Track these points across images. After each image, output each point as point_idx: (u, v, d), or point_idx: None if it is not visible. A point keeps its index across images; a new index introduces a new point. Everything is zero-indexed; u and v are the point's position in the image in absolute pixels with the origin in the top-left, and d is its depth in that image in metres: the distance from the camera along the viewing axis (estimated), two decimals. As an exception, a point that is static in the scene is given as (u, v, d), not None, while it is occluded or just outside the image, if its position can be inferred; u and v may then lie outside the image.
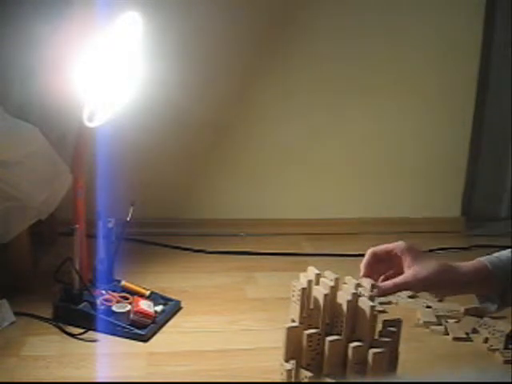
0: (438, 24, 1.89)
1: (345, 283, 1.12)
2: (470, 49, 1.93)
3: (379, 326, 1.11)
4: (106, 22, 1.26)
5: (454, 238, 1.94)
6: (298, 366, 1.10)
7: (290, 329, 1.09)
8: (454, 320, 1.43)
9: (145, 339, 1.30)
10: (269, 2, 1.82)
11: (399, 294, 1.50)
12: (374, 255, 1.14)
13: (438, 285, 1.11)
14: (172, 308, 1.42)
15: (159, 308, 1.39)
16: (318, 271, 1.13)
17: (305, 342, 1.08)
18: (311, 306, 1.10)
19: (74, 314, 1.33)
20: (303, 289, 1.09)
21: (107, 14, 1.29)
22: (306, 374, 1.08)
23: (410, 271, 1.09)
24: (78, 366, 1.21)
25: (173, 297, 1.45)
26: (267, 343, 1.30)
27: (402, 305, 1.48)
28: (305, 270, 1.14)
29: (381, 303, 1.44)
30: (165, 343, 1.31)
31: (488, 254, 1.15)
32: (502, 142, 2.02)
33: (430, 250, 1.81)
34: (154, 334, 1.33)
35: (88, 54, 1.22)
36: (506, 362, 1.29)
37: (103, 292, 1.39)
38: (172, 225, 1.87)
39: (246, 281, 1.60)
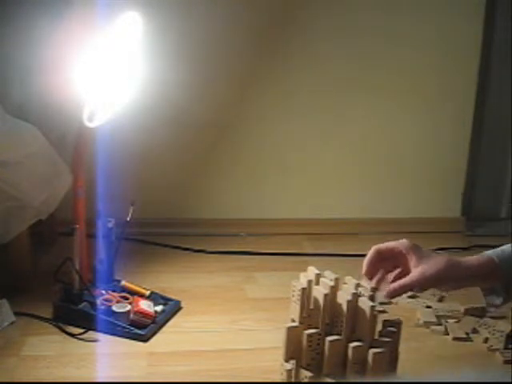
0: (438, 24, 1.89)
1: (345, 283, 1.12)
2: (470, 49, 1.93)
3: (379, 326, 1.11)
4: (105, 21, 1.26)
5: (454, 237, 1.94)
6: (298, 366, 1.10)
7: (289, 329, 1.09)
8: (454, 320, 1.43)
9: (145, 339, 1.30)
10: (269, 1, 1.82)
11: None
12: (378, 253, 1.14)
13: (445, 281, 1.11)
14: (172, 308, 1.42)
15: (159, 308, 1.39)
16: (318, 271, 1.13)
17: (305, 342, 1.08)
18: (311, 306, 1.10)
19: (74, 314, 1.33)
20: (303, 289, 1.09)
21: (107, 14, 1.29)
22: (306, 374, 1.08)
23: (417, 270, 1.10)
24: (78, 365, 1.21)
25: (173, 297, 1.45)
26: (267, 343, 1.30)
27: (401, 305, 1.48)
28: (305, 270, 1.14)
29: (381, 303, 1.44)
30: (165, 343, 1.31)
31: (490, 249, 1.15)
32: (501, 142, 2.02)
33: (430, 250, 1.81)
34: (154, 334, 1.33)
35: (88, 54, 1.22)
36: (506, 362, 1.29)
37: (103, 292, 1.39)
38: (172, 225, 1.87)
39: (246, 281, 1.60)
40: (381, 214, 2.00)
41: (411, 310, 1.46)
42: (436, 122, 1.97)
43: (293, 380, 1.10)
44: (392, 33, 1.89)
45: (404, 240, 1.14)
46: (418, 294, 1.53)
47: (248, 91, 1.87)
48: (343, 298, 1.07)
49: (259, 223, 1.92)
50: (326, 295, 1.08)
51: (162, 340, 1.32)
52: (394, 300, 1.45)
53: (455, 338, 1.37)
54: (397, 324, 1.11)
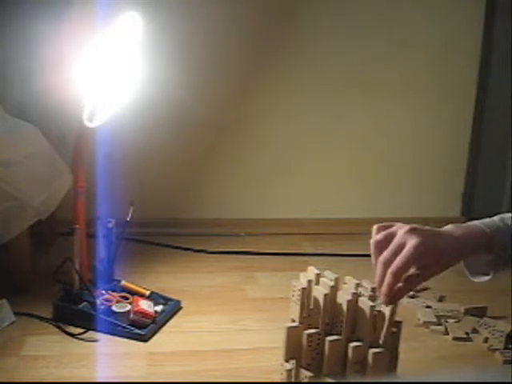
0: (438, 24, 1.89)
1: (345, 283, 1.12)
2: (470, 49, 1.93)
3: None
4: (105, 21, 1.26)
5: (454, 238, 1.94)
6: (298, 366, 1.10)
7: (289, 329, 1.09)
8: (453, 320, 1.43)
9: (145, 339, 1.30)
10: (269, 2, 1.82)
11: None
12: (376, 244, 1.09)
13: (432, 255, 1.04)
14: (172, 308, 1.42)
15: (159, 308, 1.39)
16: (317, 271, 1.13)
17: (305, 342, 1.08)
18: (311, 306, 1.10)
19: (74, 314, 1.33)
20: (303, 289, 1.09)
21: (107, 14, 1.29)
22: (306, 374, 1.08)
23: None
24: (78, 365, 1.21)
25: (173, 297, 1.45)
26: (267, 343, 1.30)
27: (402, 305, 1.48)
28: (305, 270, 1.14)
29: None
30: (165, 343, 1.30)
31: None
32: (502, 142, 2.02)
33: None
34: (154, 334, 1.33)
35: (88, 54, 1.22)
36: (506, 362, 1.29)
37: (103, 292, 1.39)
38: (172, 225, 1.87)
39: (246, 281, 1.60)
40: (381, 214, 1.99)
41: (411, 310, 1.46)
42: (436, 122, 1.98)
43: (293, 380, 1.10)
44: (392, 33, 1.89)
45: (398, 223, 1.12)
46: (418, 294, 1.53)
47: (248, 91, 1.87)
48: (343, 298, 1.07)
49: (259, 223, 1.92)
50: (326, 295, 1.08)
51: (162, 340, 1.32)
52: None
53: (455, 338, 1.37)
54: (397, 324, 1.11)
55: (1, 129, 1.33)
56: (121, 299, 1.38)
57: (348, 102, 1.92)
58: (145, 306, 1.35)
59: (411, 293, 1.52)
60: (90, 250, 1.39)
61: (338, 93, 1.91)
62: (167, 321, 1.38)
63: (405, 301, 1.49)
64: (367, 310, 1.05)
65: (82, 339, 1.29)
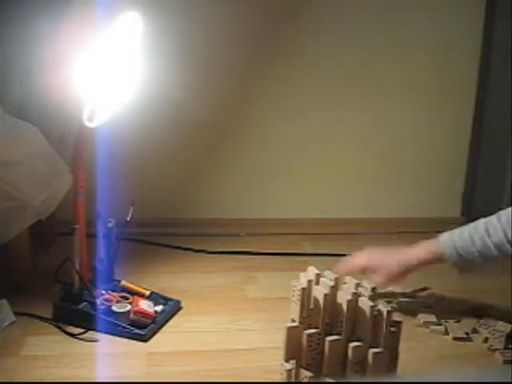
0: (438, 24, 1.89)
1: (345, 283, 1.12)
2: (470, 49, 1.93)
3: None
4: (105, 21, 1.26)
5: (454, 238, 1.93)
6: (298, 366, 1.10)
7: (289, 329, 1.09)
8: (453, 320, 1.43)
9: (145, 339, 1.30)
10: (269, 2, 1.82)
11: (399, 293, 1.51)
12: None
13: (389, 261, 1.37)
14: (172, 308, 1.42)
15: (159, 308, 1.39)
16: (317, 271, 1.13)
17: (305, 342, 1.08)
18: (311, 306, 1.10)
19: (74, 314, 1.33)
20: (303, 289, 1.09)
21: (107, 14, 1.29)
22: (306, 374, 1.08)
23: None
24: (78, 365, 1.21)
25: (173, 297, 1.45)
26: (267, 343, 1.30)
27: (402, 305, 1.48)
28: (305, 270, 1.14)
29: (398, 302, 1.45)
30: (165, 343, 1.30)
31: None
32: (502, 142, 2.02)
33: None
34: (154, 333, 1.33)
35: (88, 53, 1.22)
36: (506, 362, 1.29)
37: (103, 292, 1.39)
38: (172, 225, 1.87)
39: (246, 281, 1.60)
40: (381, 214, 2.00)
41: (411, 310, 1.46)
42: (436, 122, 1.98)
43: (293, 380, 1.10)
44: (392, 33, 1.89)
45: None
46: (419, 294, 1.53)
47: (248, 91, 1.87)
48: (343, 298, 1.07)
49: (259, 223, 1.92)
50: (325, 295, 1.08)
51: (162, 340, 1.32)
52: (394, 300, 1.47)
53: (455, 338, 1.37)
54: (397, 324, 1.11)
55: (1, 129, 1.33)
56: (121, 299, 1.38)
57: (348, 102, 1.92)
58: (145, 306, 1.35)
59: (411, 293, 1.52)
60: (90, 250, 1.38)
61: (337, 93, 1.91)
62: (167, 321, 1.38)
63: (405, 301, 1.49)
64: (367, 310, 1.06)
65: (82, 339, 1.29)
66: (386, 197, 2.01)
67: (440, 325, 1.41)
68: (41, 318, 1.35)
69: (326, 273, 1.13)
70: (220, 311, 1.44)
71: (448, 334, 1.38)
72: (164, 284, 1.53)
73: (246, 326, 1.39)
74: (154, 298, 1.42)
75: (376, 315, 1.07)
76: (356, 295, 1.08)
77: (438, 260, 1.35)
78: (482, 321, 1.42)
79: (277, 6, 1.82)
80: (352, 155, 1.97)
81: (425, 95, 1.95)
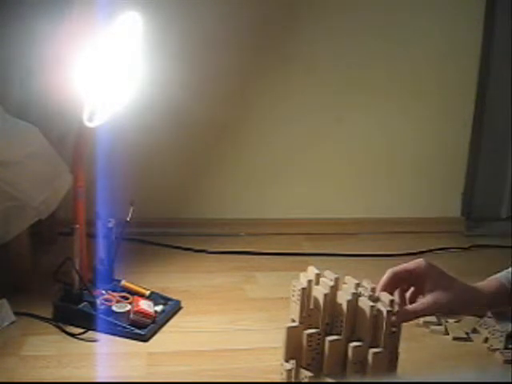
0: (438, 24, 1.89)
1: (345, 283, 1.12)
2: (470, 49, 1.93)
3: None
4: (106, 21, 1.26)
5: (454, 237, 1.94)
6: (298, 366, 1.10)
7: (289, 329, 1.09)
8: (453, 320, 1.43)
9: (145, 339, 1.30)
10: (269, 2, 1.82)
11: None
12: (394, 275, 1.12)
13: (457, 310, 1.14)
14: (172, 308, 1.42)
15: (159, 308, 1.39)
16: (318, 271, 1.13)
17: (305, 342, 1.08)
18: (311, 306, 1.10)
19: (74, 314, 1.33)
20: (303, 289, 1.09)
21: (107, 14, 1.29)
22: (306, 374, 1.08)
23: (430, 297, 1.09)
24: (78, 366, 1.21)
25: (173, 297, 1.45)
26: (267, 343, 1.30)
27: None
28: (305, 270, 1.14)
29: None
30: (165, 343, 1.30)
31: (498, 271, 1.16)
32: (501, 142, 2.02)
33: (430, 250, 1.81)
34: (154, 333, 1.33)
35: (88, 53, 1.22)
36: (506, 361, 1.29)
37: (103, 292, 1.39)
38: (172, 225, 1.87)
39: (246, 281, 1.60)
40: (381, 214, 2.00)
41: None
42: (436, 122, 1.98)
43: (293, 380, 1.10)
44: (392, 33, 1.89)
45: (421, 260, 1.13)
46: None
47: (248, 91, 1.87)
48: (343, 297, 1.07)
49: (259, 223, 1.92)
50: (325, 295, 1.08)
51: (162, 340, 1.32)
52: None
53: (455, 338, 1.37)
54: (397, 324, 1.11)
55: (1, 128, 1.33)
56: (121, 299, 1.38)
57: (348, 103, 1.92)
58: (145, 306, 1.35)
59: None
60: (90, 250, 1.39)
61: (337, 93, 1.90)
62: (167, 321, 1.38)
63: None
64: (367, 310, 1.06)
65: (82, 339, 1.29)
66: (386, 197, 2.00)
67: (440, 325, 1.41)
68: (41, 318, 1.35)
69: (326, 273, 1.13)
70: (220, 311, 1.44)
71: (448, 334, 1.38)
72: (164, 284, 1.53)
73: (246, 326, 1.39)
74: (154, 298, 1.42)
75: (376, 315, 1.07)
76: (356, 295, 1.08)
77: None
78: (481, 321, 1.42)
79: (277, 7, 1.82)
80: (352, 155, 1.97)
81: (425, 95, 1.94)
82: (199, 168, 1.90)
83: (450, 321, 1.42)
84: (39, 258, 1.58)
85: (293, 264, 1.69)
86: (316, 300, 1.09)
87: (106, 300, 1.36)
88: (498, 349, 1.33)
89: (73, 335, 1.30)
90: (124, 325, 1.31)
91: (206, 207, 1.93)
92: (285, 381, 1.11)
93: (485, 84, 1.96)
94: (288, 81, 1.87)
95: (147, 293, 1.43)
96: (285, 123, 1.91)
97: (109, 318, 1.31)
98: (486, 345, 1.34)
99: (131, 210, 1.46)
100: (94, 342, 1.29)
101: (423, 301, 1.09)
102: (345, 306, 1.07)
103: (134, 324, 1.31)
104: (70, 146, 1.42)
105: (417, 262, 1.12)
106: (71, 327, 1.32)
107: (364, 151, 1.96)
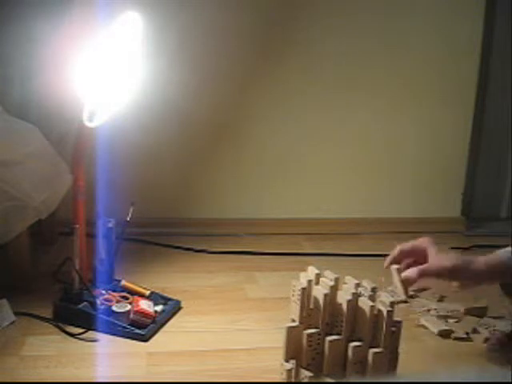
0: (438, 24, 1.89)
1: (345, 283, 1.12)
2: (470, 49, 1.93)
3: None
4: (106, 21, 1.26)
5: (454, 237, 1.94)
6: (298, 366, 1.10)
7: (289, 328, 1.09)
8: (454, 320, 1.43)
9: (145, 339, 1.30)
10: (269, 2, 1.82)
11: (399, 293, 1.50)
12: (401, 252, 1.21)
13: (460, 273, 1.17)
14: (172, 308, 1.42)
15: (159, 308, 1.39)
16: (318, 271, 1.13)
17: (305, 342, 1.08)
18: (311, 306, 1.10)
19: (74, 314, 1.33)
20: (303, 288, 1.09)
21: (107, 14, 1.29)
22: (306, 374, 1.08)
23: (434, 259, 1.16)
24: (78, 365, 1.21)
25: (173, 297, 1.45)
26: (267, 343, 1.30)
27: (402, 305, 1.48)
28: (305, 270, 1.14)
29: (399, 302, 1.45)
30: (165, 343, 1.31)
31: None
32: (501, 143, 2.02)
33: (430, 250, 1.81)
34: (154, 333, 1.33)
35: (88, 53, 1.22)
36: (507, 361, 1.29)
37: (103, 292, 1.39)
38: (172, 225, 1.87)
39: (246, 281, 1.60)
40: (381, 214, 2.00)
41: (411, 310, 1.46)
42: (436, 122, 1.98)
43: (293, 380, 1.10)
44: (391, 33, 1.89)
45: (425, 237, 1.21)
46: (418, 294, 1.53)
47: (248, 91, 1.87)
48: (343, 297, 1.07)
49: (259, 223, 1.92)
50: (326, 295, 1.08)
51: (162, 340, 1.32)
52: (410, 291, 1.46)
53: (455, 338, 1.37)
54: (397, 324, 1.11)
55: (1, 129, 1.33)
56: (121, 299, 1.38)
57: (348, 103, 1.92)
58: (145, 305, 1.35)
59: (411, 293, 1.52)
60: (90, 250, 1.39)
61: (337, 93, 1.90)
62: (167, 321, 1.38)
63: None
64: (367, 310, 1.06)
65: (81, 339, 1.29)
66: (385, 197, 2.00)
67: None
68: (41, 318, 1.35)
69: (326, 273, 1.13)
70: (220, 311, 1.44)
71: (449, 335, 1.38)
72: (164, 284, 1.53)
73: (246, 326, 1.39)
74: (154, 298, 1.42)
75: (376, 315, 1.07)
76: (356, 295, 1.08)
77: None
78: (482, 321, 1.42)
79: (276, 7, 1.82)
80: (352, 155, 1.97)
81: (425, 95, 1.94)
82: (199, 168, 1.90)
83: (450, 321, 1.42)
84: (39, 258, 1.58)
85: (293, 264, 1.69)
86: (316, 300, 1.09)
87: (106, 300, 1.36)
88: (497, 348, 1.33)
89: (73, 335, 1.30)
90: (124, 325, 1.31)
91: (206, 207, 1.93)
92: (285, 381, 1.11)
93: (485, 84, 1.96)
94: (288, 81, 1.87)
95: (147, 293, 1.43)
96: (285, 123, 1.91)
97: (109, 318, 1.31)
98: (486, 345, 1.34)
99: (131, 210, 1.46)
100: (94, 341, 1.29)
101: (428, 262, 1.17)
102: (345, 306, 1.07)
103: (134, 324, 1.31)
104: (70, 146, 1.42)
105: (422, 239, 1.21)
106: (71, 327, 1.32)
107: (364, 151, 1.96)
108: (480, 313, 1.45)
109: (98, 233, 1.42)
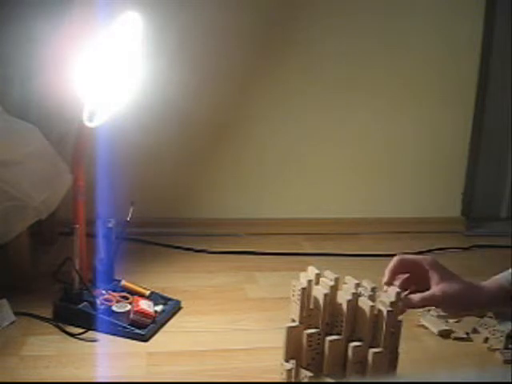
0: (438, 24, 1.89)
1: (345, 283, 1.12)
2: (470, 49, 1.93)
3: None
4: (106, 21, 1.26)
5: (454, 237, 1.94)
6: (298, 366, 1.10)
7: (290, 328, 1.09)
8: (454, 320, 1.43)
9: (145, 339, 1.30)
10: (269, 2, 1.82)
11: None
12: (401, 263, 1.14)
13: (463, 304, 1.13)
14: (172, 308, 1.42)
15: (159, 308, 1.39)
16: (317, 271, 1.13)
17: (305, 342, 1.08)
18: (311, 306, 1.10)
19: (74, 314, 1.33)
20: (303, 288, 1.09)
21: (107, 14, 1.29)
22: (306, 374, 1.08)
23: (437, 287, 1.11)
24: (78, 365, 1.21)
25: (173, 297, 1.45)
26: (267, 343, 1.30)
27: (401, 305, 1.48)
28: (305, 270, 1.14)
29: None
30: (165, 343, 1.31)
31: (500, 272, 1.16)
32: (501, 142, 2.02)
33: (430, 250, 1.81)
34: (154, 333, 1.33)
35: (88, 53, 1.22)
36: (506, 361, 1.29)
37: (103, 292, 1.39)
38: (172, 225, 1.87)
39: (246, 281, 1.60)
40: (381, 214, 2.00)
41: (411, 311, 1.45)
42: (436, 122, 1.98)
43: (293, 380, 1.10)
44: (391, 33, 1.89)
45: (428, 256, 1.16)
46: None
47: (247, 91, 1.87)
48: (343, 297, 1.07)
49: (259, 223, 1.92)
50: (326, 295, 1.08)
51: (162, 340, 1.32)
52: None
53: (455, 338, 1.37)
54: (397, 324, 1.11)
55: (1, 129, 1.33)
56: (121, 299, 1.38)
57: (348, 103, 1.92)
58: (145, 305, 1.35)
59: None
60: (90, 250, 1.39)
61: (337, 93, 1.90)
62: (167, 321, 1.38)
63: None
64: (367, 310, 1.06)
65: (81, 339, 1.29)
66: (385, 197, 2.01)
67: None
68: (41, 318, 1.35)
69: (326, 273, 1.13)
70: (220, 311, 1.44)
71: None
72: (164, 284, 1.53)
73: (246, 326, 1.39)
74: (154, 298, 1.42)
75: (376, 315, 1.07)
76: (356, 295, 1.08)
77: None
78: (482, 321, 1.42)
79: (276, 7, 1.82)
80: (352, 155, 1.97)
81: (425, 95, 1.94)
82: (199, 168, 1.90)
83: (450, 321, 1.42)
84: (39, 258, 1.58)
85: (293, 264, 1.69)
86: (316, 300, 1.09)
87: (106, 300, 1.36)
88: (498, 349, 1.33)
89: (73, 335, 1.30)
90: (124, 325, 1.31)
91: (206, 207, 1.93)
92: (285, 381, 1.11)
93: (485, 84, 1.96)
94: (288, 81, 1.87)
95: (147, 293, 1.43)
96: (284, 123, 1.91)
97: (109, 318, 1.31)
98: (486, 345, 1.34)
99: (131, 210, 1.46)
100: (94, 341, 1.29)
101: (431, 290, 1.11)
102: (345, 306, 1.07)
103: (134, 324, 1.31)
104: (70, 146, 1.42)
105: (424, 257, 1.15)
106: (71, 327, 1.32)
107: (364, 151, 1.96)
108: (480, 313, 1.45)
109: (98, 233, 1.42)
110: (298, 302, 1.09)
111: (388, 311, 1.05)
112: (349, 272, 1.15)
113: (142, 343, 1.29)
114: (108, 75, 1.26)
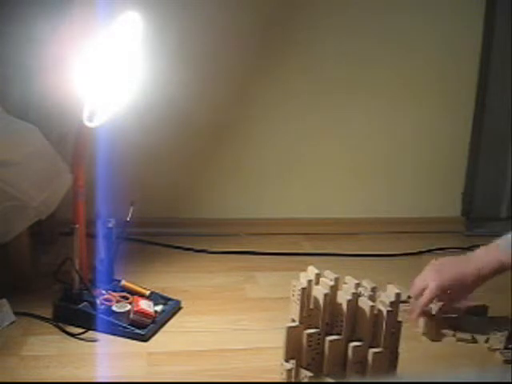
0: (438, 24, 1.89)
1: (345, 283, 1.12)
2: (470, 49, 1.93)
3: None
4: (106, 21, 1.26)
5: (454, 237, 1.94)
6: (298, 366, 1.10)
7: (290, 328, 1.09)
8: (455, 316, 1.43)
9: (145, 339, 1.30)
10: (269, 2, 1.82)
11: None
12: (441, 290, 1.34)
13: (452, 272, 1.31)
14: (172, 308, 1.42)
15: (159, 308, 1.39)
16: (317, 271, 1.13)
17: (305, 342, 1.08)
18: (311, 306, 1.10)
19: (74, 314, 1.33)
20: (303, 288, 1.09)
21: (107, 14, 1.29)
22: (306, 374, 1.08)
23: (432, 283, 1.31)
24: (78, 365, 1.21)
25: (173, 297, 1.45)
26: (267, 343, 1.30)
27: (402, 305, 1.47)
28: (305, 270, 1.14)
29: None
30: (165, 343, 1.31)
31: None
32: (501, 142, 2.02)
33: (430, 250, 1.81)
34: (154, 333, 1.33)
35: (88, 53, 1.22)
36: (506, 361, 1.29)
37: (103, 292, 1.39)
38: (172, 225, 1.87)
39: (246, 281, 1.60)
40: (381, 214, 2.00)
41: (411, 310, 1.45)
42: (436, 122, 1.98)
43: (293, 380, 1.10)
44: (392, 33, 1.89)
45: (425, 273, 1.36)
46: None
47: (248, 92, 1.87)
48: (343, 297, 1.07)
49: (259, 223, 1.92)
50: (326, 295, 1.08)
51: (162, 340, 1.32)
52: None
53: (458, 339, 1.37)
54: (397, 324, 1.11)
55: (1, 129, 1.33)
56: (121, 299, 1.38)
57: (348, 103, 1.92)
58: (145, 305, 1.35)
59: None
60: (90, 250, 1.38)
61: (337, 93, 1.90)
62: (167, 321, 1.38)
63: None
64: (367, 310, 1.06)
65: (81, 339, 1.29)
66: (385, 197, 2.00)
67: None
68: (41, 318, 1.35)
69: (326, 273, 1.13)
70: (220, 311, 1.44)
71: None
72: (164, 284, 1.53)
73: (246, 326, 1.39)
74: (154, 298, 1.42)
75: (376, 315, 1.07)
76: (356, 295, 1.08)
77: (506, 268, 1.30)
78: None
79: (276, 7, 1.82)
80: (352, 155, 1.97)
81: (424, 95, 1.94)
82: (199, 168, 1.90)
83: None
84: (39, 258, 1.58)
85: (293, 264, 1.69)
86: (316, 300, 1.09)
87: (106, 300, 1.36)
88: (498, 349, 1.33)
89: (73, 335, 1.30)
90: (124, 325, 1.31)
91: (206, 207, 1.93)
92: (285, 381, 1.11)
93: (485, 84, 1.96)
94: (288, 81, 1.87)
95: (147, 293, 1.43)
96: (284, 123, 1.91)
97: (109, 318, 1.31)
98: (486, 345, 1.34)
99: (131, 210, 1.46)
100: (94, 341, 1.29)
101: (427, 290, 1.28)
102: (345, 306, 1.07)
103: (134, 324, 1.31)
104: (70, 145, 1.41)
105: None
106: (71, 327, 1.32)
107: (364, 151, 1.96)
108: (480, 313, 1.45)
109: (98, 233, 1.42)
110: (298, 302, 1.09)
111: (388, 311, 1.05)
112: (349, 272, 1.15)
113: (142, 343, 1.29)
114: (108, 75, 1.26)
